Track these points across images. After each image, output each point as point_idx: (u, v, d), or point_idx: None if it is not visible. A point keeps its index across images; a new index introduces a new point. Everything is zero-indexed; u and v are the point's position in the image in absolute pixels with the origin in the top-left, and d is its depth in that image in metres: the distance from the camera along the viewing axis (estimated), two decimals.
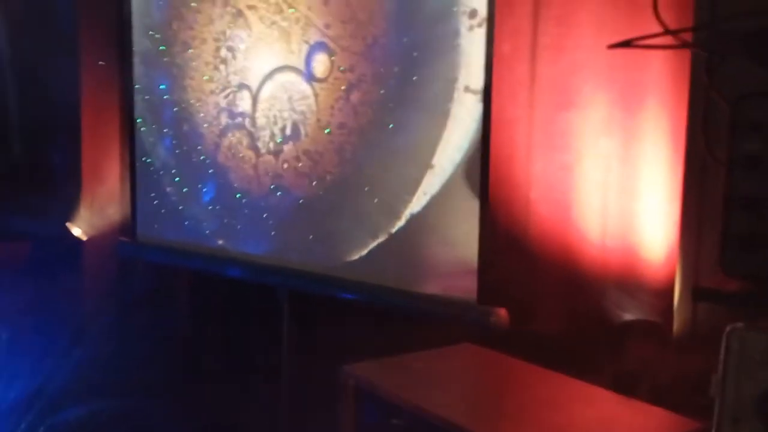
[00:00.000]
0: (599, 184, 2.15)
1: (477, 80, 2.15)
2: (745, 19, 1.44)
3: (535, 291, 2.22)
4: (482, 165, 2.15)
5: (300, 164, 2.62)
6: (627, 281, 2.08)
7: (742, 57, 1.42)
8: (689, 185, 1.69)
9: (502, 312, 2.13)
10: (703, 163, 1.60)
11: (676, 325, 1.72)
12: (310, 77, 2.56)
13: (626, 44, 1.55)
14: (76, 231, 3.41)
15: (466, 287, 2.19)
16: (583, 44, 2.16)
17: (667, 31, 1.50)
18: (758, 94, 1.25)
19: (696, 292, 1.30)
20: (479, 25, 2.13)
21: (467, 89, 2.18)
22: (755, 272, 1.25)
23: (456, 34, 2.17)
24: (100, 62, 3.41)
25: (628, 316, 2.01)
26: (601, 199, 2.15)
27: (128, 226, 3.27)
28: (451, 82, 2.20)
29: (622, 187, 2.11)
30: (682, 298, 1.69)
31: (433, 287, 2.28)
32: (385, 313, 2.46)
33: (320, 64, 2.53)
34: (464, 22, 2.15)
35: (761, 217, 1.23)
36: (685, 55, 1.80)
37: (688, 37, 1.58)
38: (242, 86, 2.79)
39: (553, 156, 2.24)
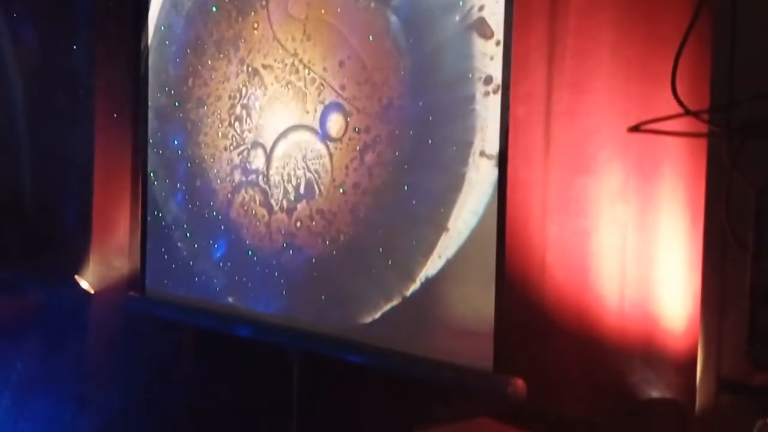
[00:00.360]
0: (616, 250, 2.13)
1: (492, 145, 2.15)
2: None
3: (553, 360, 2.17)
4: (498, 233, 2.13)
5: (313, 223, 2.61)
6: (647, 351, 2.03)
7: (765, 140, 1.41)
8: (709, 267, 1.66)
9: (519, 382, 2.09)
10: (723, 245, 1.58)
11: (699, 405, 1.68)
12: (325, 136, 2.57)
13: (639, 129, 1.54)
14: (84, 284, 3.40)
15: (482, 355, 2.15)
16: (597, 110, 2.16)
17: (686, 112, 1.50)
18: None
19: (722, 385, 1.27)
20: (494, 92, 2.13)
21: (483, 154, 2.17)
22: None
23: (471, 99, 2.18)
24: (114, 115, 3.45)
25: (650, 392, 1.96)
26: (619, 266, 2.12)
27: (137, 281, 3.25)
28: (467, 146, 2.20)
29: (639, 255, 2.08)
30: (704, 380, 1.64)
31: (447, 354, 2.24)
32: (399, 379, 2.41)
33: (335, 123, 2.54)
34: (480, 88, 2.16)
35: None
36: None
37: (705, 117, 1.57)
38: (256, 144, 2.80)
39: (569, 220, 2.21)
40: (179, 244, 3.08)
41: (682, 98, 1.68)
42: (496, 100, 2.13)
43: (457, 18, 2.19)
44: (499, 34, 2.11)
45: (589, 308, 2.17)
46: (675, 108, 1.84)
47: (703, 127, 1.63)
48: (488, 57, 2.13)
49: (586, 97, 2.18)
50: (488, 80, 2.14)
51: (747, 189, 1.37)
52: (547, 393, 2.12)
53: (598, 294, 2.15)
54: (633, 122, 2.09)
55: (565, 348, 2.18)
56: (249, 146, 2.82)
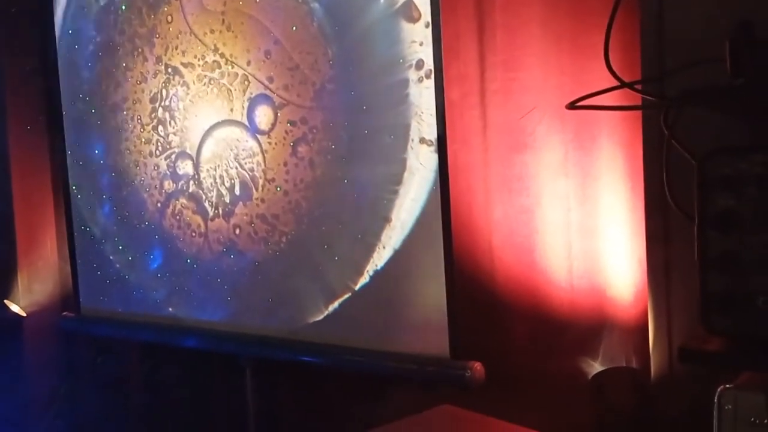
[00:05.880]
0: (560, 225, 2.13)
1: (430, 130, 2.11)
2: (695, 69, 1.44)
3: (508, 340, 2.17)
4: (444, 219, 2.10)
5: (253, 227, 2.52)
6: (599, 322, 2.05)
7: (699, 108, 1.41)
8: (652, 237, 1.67)
9: (478, 366, 2.08)
10: (664, 215, 1.59)
11: (654, 373, 1.70)
12: (255, 131, 2.47)
13: (577, 106, 1.52)
14: (15, 308, 3.20)
15: (438, 343, 2.13)
16: (531, 87, 2.14)
17: (621, 84, 1.49)
18: (724, 150, 1.23)
19: (682, 354, 1.28)
20: (427, 77, 2.09)
21: (422, 140, 2.13)
22: (738, 330, 1.23)
23: (405, 85, 2.12)
24: (28, 127, 3.23)
25: (605, 363, 1.98)
26: (564, 240, 2.13)
27: (71, 300, 3.08)
28: (404, 133, 2.15)
29: (583, 227, 2.09)
30: (657, 348, 1.66)
31: (403, 345, 2.21)
32: (355, 375, 2.37)
33: (264, 116, 2.44)
34: (412, 74, 2.11)
35: (738, 274, 1.22)
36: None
37: (639, 88, 1.57)
38: (183, 146, 2.67)
39: (512, 200, 2.20)
40: (111, 257, 2.93)
41: (616, 69, 1.66)
42: (429, 85, 2.08)
43: (382, 2, 2.12)
44: (427, 15, 2.05)
45: (538, 285, 2.17)
46: (610, 80, 1.85)
47: (638, 98, 1.63)
48: (417, 42, 2.08)
49: (519, 74, 2.16)
50: (419, 65, 2.09)
51: (685, 158, 1.37)
52: (506, 374, 2.12)
53: (546, 270, 2.15)
54: (568, 96, 2.06)
55: (519, 326, 2.18)
56: (176, 151, 2.69)
